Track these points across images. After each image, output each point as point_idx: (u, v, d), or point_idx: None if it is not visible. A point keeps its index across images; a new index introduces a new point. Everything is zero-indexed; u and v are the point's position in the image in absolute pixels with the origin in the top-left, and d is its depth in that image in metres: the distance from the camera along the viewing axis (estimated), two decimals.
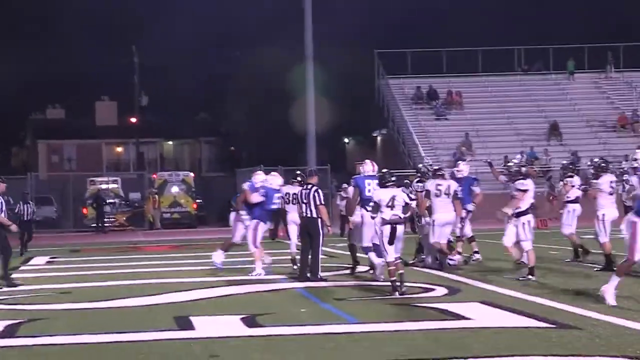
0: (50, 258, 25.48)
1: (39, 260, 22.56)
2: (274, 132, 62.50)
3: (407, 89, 54.33)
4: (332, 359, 10.14)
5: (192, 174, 50.63)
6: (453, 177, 19.99)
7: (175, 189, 46.03)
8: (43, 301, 15.43)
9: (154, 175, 48.54)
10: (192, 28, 76.56)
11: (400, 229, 15.41)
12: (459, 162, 21.45)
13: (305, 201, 17.48)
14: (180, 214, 45.53)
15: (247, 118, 66.05)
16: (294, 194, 18.43)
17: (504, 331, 11.52)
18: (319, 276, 17.25)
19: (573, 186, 20.25)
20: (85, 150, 73.02)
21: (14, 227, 17.99)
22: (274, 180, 19.40)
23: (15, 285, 17.57)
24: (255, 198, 18.95)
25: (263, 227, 19.25)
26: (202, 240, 32.73)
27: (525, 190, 16.95)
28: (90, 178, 48.95)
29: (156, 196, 44.51)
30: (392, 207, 15.29)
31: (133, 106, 66.78)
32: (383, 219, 15.29)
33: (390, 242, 15.21)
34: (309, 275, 17.32)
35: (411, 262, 19.60)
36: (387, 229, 15.27)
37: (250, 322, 12.62)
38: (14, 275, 20.10)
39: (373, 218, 15.70)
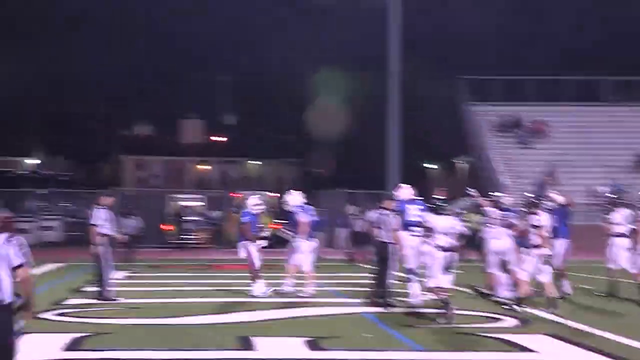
0: (131, 273, 25.74)
1: (118, 275, 22.71)
2: (356, 154, 62.50)
3: (492, 116, 53.81)
4: None
5: (273, 194, 50.75)
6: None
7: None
8: (112, 315, 15.57)
9: (235, 194, 48.76)
10: (279, 51, 77.20)
11: (454, 256, 15.46)
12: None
13: (380, 226, 17.46)
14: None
15: (330, 140, 66.15)
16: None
17: None
18: (388, 301, 17.13)
19: None
20: (170, 167, 73.86)
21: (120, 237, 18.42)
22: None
23: (112, 300, 17.76)
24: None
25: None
26: (279, 260, 32.74)
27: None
28: (172, 195, 49.37)
29: (236, 215, 44.64)
30: (447, 234, 15.30)
31: (219, 125, 67.42)
32: (438, 245, 15.27)
33: (445, 269, 15.27)
34: (379, 300, 17.21)
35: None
36: (441, 255, 15.28)
37: (313, 345, 12.61)
38: (88, 289, 20.41)
39: (425, 243, 15.67)
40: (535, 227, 16.69)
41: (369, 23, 56.57)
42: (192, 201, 49.94)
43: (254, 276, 19.09)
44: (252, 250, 19.10)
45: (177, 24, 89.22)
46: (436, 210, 15.82)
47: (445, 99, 58.06)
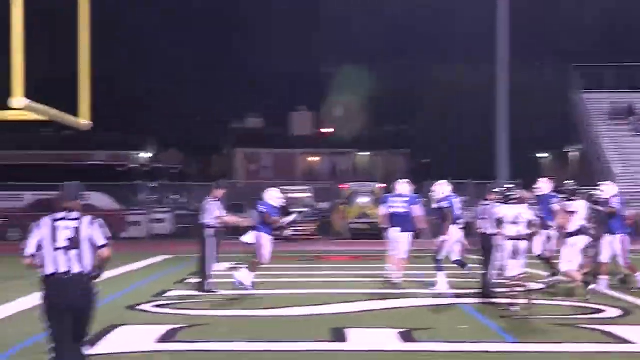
0: (235, 264, 25.86)
1: (221, 267, 22.90)
2: (465, 144, 61.98)
3: (604, 105, 52.76)
4: None
5: (381, 185, 50.66)
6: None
7: (363, 200, 46.08)
8: (209, 307, 15.71)
9: (343, 186, 48.81)
10: (390, 38, 77.07)
11: (522, 245, 15.33)
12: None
13: (484, 217, 17.30)
14: (367, 224, 45.46)
15: (439, 130, 65.76)
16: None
17: None
18: (489, 293, 16.89)
19: None
20: (280, 159, 74.33)
21: (245, 222, 18.95)
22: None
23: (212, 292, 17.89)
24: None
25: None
26: (386, 251, 32.70)
27: None
28: (281, 187, 49.61)
29: (344, 206, 44.71)
30: (515, 223, 15.21)
31: (328, 117, 67.61)
32: (506, 235, 15.24)
33: (512, 258, 15.23)
34: (482, 291, 17.00)
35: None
36: (509, 244, 15.22)
37: (406, 336, 12.53)
38: (192, 281, 20.65)
39: (496, 234, 15.64)
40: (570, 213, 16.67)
41: (477, 10, 56.07)
42: (299, 193, 50.15)
43: (253, 266, 18.32)
44: (265, 242, 18.32)
45: (283, 16, 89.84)
46: (505, 200, 15.74)
47: (557, 87, 57.19)
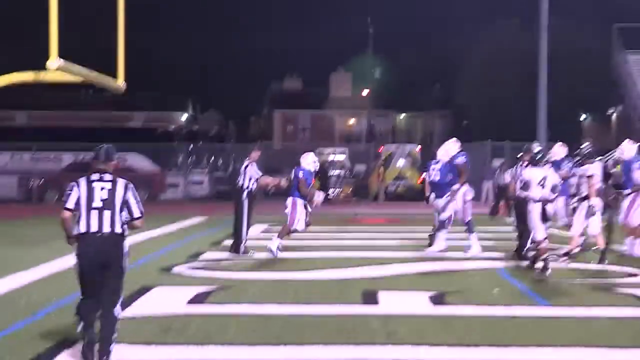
0: (269, 226, 25.90)
1: (255, 229, 22.92)
2: (506, 106, 61.46)
3: None
4: (508, 341, 9.86)
5: (418, 147, 50.47)
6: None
7: (401, 162, 45.94)
8: (242, 269, 15.72)
9: (380, 148, 48.69)
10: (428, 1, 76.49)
11: (550, 207, 15.39)
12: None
13: (517, 179, 17.12)
14: (405, 187, 45.38)
15: (479, 92, 65.18)
16: None
17: None
18: (526, 256, 16.72)
19: None
20: (319, 120, 74.18)
21: (283, 182, 18.69)
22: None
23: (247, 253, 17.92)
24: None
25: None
26: (423, 214, 32.63)
27: None
28: (318, 149, 49.61)
29: (382, 168, 44.59)
30: (543, 186, 15.21)
31: (367, 78, 67.34)
32: (533, 198, 15.26)
33: (543, 221, 15.24)
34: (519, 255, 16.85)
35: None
36: (537, 207, 15.22)
37: (437, 299, 12.49)
38: (227, 242, 20.66)
39: (524, 196, 15.57)
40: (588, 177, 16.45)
41: None
42: (337, 154, 50.11)
43: (283, 231, 18.08)
44: (299, 207, 18.02)
45: None
46: (534, 163, 15.69)
47: (598, 47, 56.53)
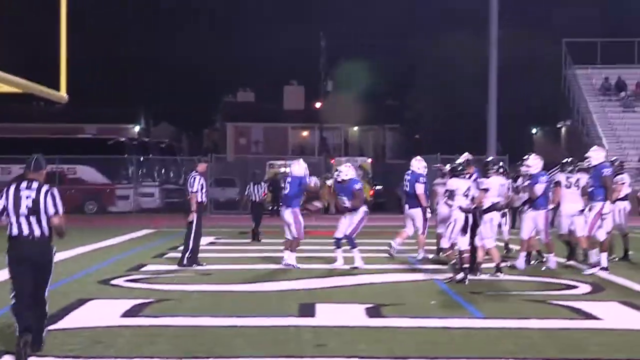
0: (215, 239, 25.89)
1: (202, 241, 22.86)
2: (456, 119, 61.89)
3: (595, 80, 52.69)
4: (440, 352, 9.91)
5: (369, 160, 50.62)
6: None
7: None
8: (181, 282, 15.66)
9: (332, 160, 48.76)
10: (379, 14, 76.82)
11: (472, 217, 15.78)
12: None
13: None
14: None
15: (430, 105, 65.60)
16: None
17: (629, 334, 11.12)
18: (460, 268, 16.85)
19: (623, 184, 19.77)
20: (271, 133, 74.13)
21: (193, 214, 18.24)
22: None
23: (200, 265, 17.99)
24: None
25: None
26: (373, 227, 32.69)
27: None
28: (270, 161, 49.60)
29: (330, 181, 44.57)
30: (467, 196, 15.65)
31: (319, 91, 67.47)
32: (459, 207, 15.59)
33: (464, 231, 15.60)
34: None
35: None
36: (461, 217, 15.59)
37: (373, 312, 12.53)
38: (171, 255, 20.65)
39: (449, 206, 15.92)
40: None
41: None
42: (289, 167, 50.09)
43: (296, 245, 18.45)
44: (300, 217, 18.44)
45: None
46: (456, 174, 15.95)
47: (547, 62, 57.12)
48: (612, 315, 12.40)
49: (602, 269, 17.17)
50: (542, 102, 59.78)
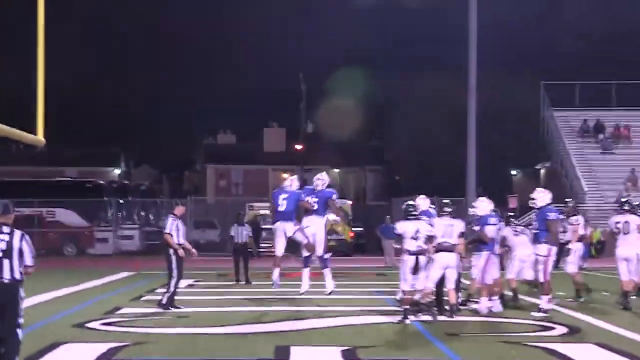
0: (194, 282, 25.83)
1: (181, 284, 22.80)
2: (435, 161, 62.19)
3: (573, 122, 53.04)
4: None
5: (349, 202, 50.66)
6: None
7: (332, 217, 45.93)
8: (157, 325, 15.61)
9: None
10: (359, 54, 77.20)
11: (422, 259, 15.90)
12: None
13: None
14: (336, 241, 45.37)
15: (410, 147, 65.92)
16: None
17: None
18: (436, 310, 16.87)
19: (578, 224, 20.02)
20: (252, 175, 74.13)
21: (181, 252, 18.26)
22: None
23: (177, 308, 17.98)
24: None
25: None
26: (352, 269, 32.77)
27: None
28: (249, 203, 49.57)
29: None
30: (415, 239, 15.80)
31: (299, 133, 67.66)
32: (407, 250, 15.83)
33: (413, 272, 15.82)
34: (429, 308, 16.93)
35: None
36: (411, 260, 15.82)
37: (349, 354, 12.50)
38: (149, 298, 20.61)
39: (397, 249, 16.36)
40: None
41: (449, 28, 56.31)
42: (269, 209, 50.01)
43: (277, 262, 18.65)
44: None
45: (259, 36, 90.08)
46: (405, 216, 16.14)
47: (526, 104, 57.49)
48: (587, 357, 12.43)
49: (541, 310, 17.06)
50: (521, 144, 60.15)
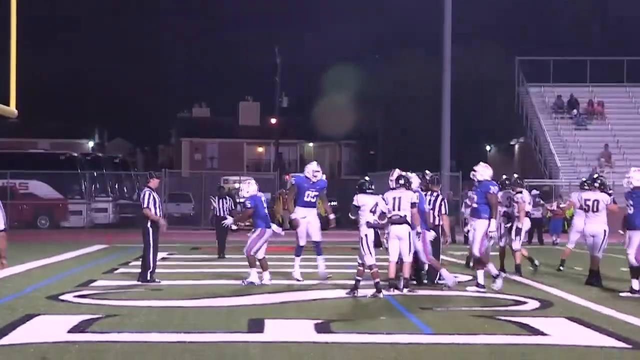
0: (167, 254, 25.77)
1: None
2: (411, 136, 62.24)
3: (548, 98, 53.21)
4: None
5: (324, 176, 50.67)
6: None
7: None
8: (130, 297, 15.59)
9: (287, 176, 48.78)
10: (335, 30, 77.09)
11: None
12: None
13: (430, 207, 17.42)
14: None
15: (385, 122, 65.93)
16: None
17: (575, 349, 11.20)
18: (410, 283, 16.96)
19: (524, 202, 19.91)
20: (227, 149, 74.08)
21: (162, 222, 18.25)
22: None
23: (155, 281, 17.88)
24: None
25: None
26: (327, 242, 32.70)
27: None
28: (224, 177, 49.53)
29: (286, 197, 44.55)
30: (373, 212, 16.04)
31: (274, 107, 67.57)
32: (367, 222, 16.00)
33: (375, 245, 16.26)
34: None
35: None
36: (371, 232, 16.07)
37: (322, 327, 12.53)
38: (122, 270, 20.61)
39: (356, 222, 16.33)
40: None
41: (423, 4, 56.23)
42: (241, 183, 49.99)
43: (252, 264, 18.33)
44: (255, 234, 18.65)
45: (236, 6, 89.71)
46: (363, 190, 16.20)
47: (501, 80, 57.57)
48: (559, 331, 12.50)
49: (479, 285, 16.99)
50: (496, 119, 60.28)
